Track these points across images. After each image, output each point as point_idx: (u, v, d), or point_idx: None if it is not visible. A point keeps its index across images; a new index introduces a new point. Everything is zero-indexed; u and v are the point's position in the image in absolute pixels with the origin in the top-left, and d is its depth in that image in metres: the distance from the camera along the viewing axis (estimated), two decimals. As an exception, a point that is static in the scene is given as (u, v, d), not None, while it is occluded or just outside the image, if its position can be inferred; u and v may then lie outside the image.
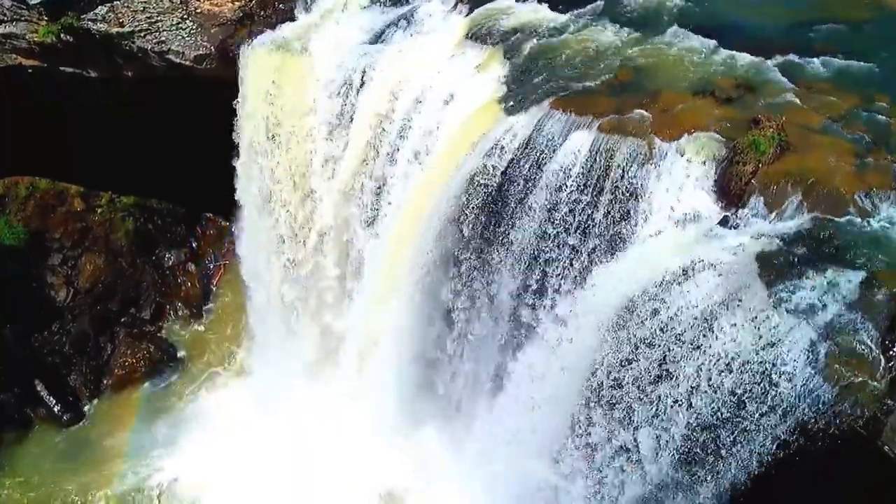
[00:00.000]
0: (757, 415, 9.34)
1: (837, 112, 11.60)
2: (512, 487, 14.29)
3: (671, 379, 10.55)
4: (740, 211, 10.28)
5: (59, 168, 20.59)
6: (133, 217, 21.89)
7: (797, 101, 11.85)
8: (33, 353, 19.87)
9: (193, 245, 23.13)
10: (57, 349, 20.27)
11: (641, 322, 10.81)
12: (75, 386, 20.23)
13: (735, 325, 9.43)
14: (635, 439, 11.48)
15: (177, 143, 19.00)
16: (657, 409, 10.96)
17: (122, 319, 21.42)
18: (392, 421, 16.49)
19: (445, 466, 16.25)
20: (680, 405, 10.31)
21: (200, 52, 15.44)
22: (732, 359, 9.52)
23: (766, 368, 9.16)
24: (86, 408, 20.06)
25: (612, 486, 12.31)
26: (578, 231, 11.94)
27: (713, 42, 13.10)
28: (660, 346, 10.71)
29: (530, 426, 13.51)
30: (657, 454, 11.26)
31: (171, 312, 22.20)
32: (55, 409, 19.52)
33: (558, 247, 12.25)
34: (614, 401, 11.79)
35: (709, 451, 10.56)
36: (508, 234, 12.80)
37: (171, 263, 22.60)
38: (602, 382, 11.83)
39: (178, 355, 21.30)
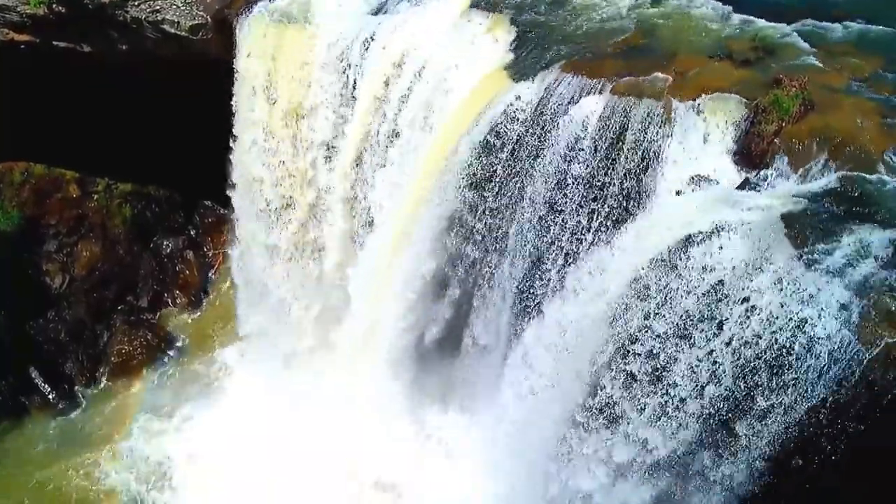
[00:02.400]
0: (788, 379, 8.88)
1: (861, 74, 11.41)
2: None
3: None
4: (763, 171, 9.99)
5: (56, 153, 20.15)
6: (130, 204, 21.50)
7: (818, 63, 11.65)
8: (28, 341, 19.42)
9: (192, 233, 22.77)
10: (52, 337, 19.85)
11: (650, 295, 10.35)
12: (71, 374, 19.83)
13: (763, 287, 8.95)
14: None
15: (175, 130, 18.59)
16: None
17: (119, 307, 21.00)
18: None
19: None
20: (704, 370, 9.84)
21: (196, 22, 15.00)
22: (761, 323, 9.05)
23: (797, 330, 8.70)
24: (82, 396, 19.69)
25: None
26: (591, 197, 11.53)
27: (728, 7, 12.88)
28: (676, 317, 10.22)
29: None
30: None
31: (169, 300, 21.82)
32: (50, 397, 19.15)
33: (569, 213, 11.84)
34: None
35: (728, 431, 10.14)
36: (520, 200, 12.38)
37: (168, 251, 22.22)
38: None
39: (176, 343, 20.97)
